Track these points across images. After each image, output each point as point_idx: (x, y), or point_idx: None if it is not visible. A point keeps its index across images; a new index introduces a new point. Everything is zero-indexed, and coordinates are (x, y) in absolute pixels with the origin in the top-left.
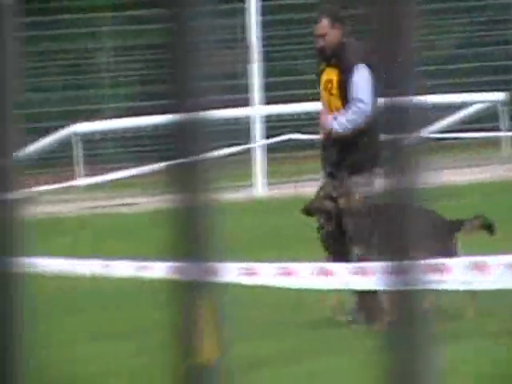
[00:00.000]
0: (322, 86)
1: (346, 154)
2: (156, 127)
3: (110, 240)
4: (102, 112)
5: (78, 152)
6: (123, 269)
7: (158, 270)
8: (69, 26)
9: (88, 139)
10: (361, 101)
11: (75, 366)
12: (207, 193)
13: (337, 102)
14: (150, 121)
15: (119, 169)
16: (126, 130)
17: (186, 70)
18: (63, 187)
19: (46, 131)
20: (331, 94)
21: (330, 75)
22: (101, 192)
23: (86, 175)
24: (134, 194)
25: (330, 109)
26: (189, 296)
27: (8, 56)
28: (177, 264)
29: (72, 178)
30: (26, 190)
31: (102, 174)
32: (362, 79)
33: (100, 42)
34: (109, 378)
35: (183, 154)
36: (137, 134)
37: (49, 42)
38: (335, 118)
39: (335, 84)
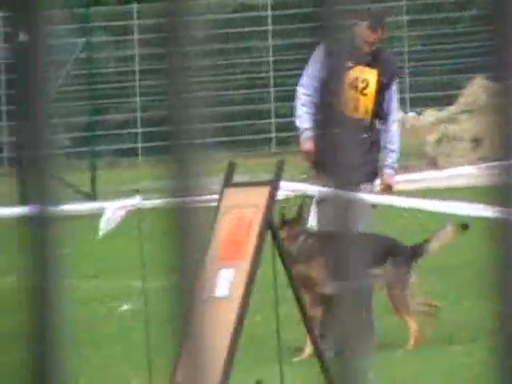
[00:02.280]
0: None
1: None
2: None
3: None
4: None
5: None
6: None
7: None
8: None
9: None
10: (395, 121)
11: None
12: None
13: (369, 104)
14: None
15: None
16: None
17: None
18: None
19: None
20: (364, 94)
21: (365, 74)
22: None
23: None
24: None
25: (354, 108)
26: None
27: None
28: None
29: None
30: None
31: None
32: (395, 93)
33: None
34: None
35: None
36: None
37: None
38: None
39: (373, 85)
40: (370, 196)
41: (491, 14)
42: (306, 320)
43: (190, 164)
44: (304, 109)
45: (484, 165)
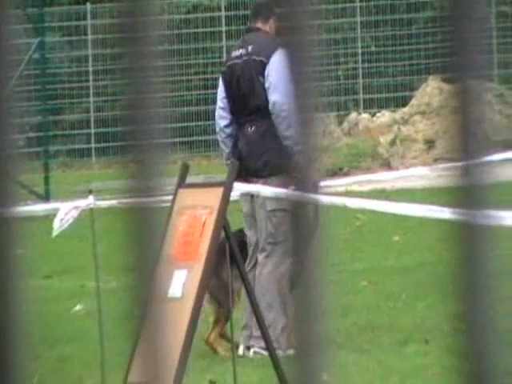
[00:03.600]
0: None
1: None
2: None
3: None
4: None
5: None
6: None
7: None
8: None
9: None
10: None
11: None
12: None
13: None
14: None
15: None
16: None
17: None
18: None
19: None
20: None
21: None
22: None
23: None
24: None
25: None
26: None
27: None
28: None
29: None
30: None
31: None
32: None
33: None
34: None
35: None
36: None
37: None
38: None
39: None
40: (324, 196)
41: (448, 15)
42: (259, 320)
43: (148, 164)
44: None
45: (438, 166)
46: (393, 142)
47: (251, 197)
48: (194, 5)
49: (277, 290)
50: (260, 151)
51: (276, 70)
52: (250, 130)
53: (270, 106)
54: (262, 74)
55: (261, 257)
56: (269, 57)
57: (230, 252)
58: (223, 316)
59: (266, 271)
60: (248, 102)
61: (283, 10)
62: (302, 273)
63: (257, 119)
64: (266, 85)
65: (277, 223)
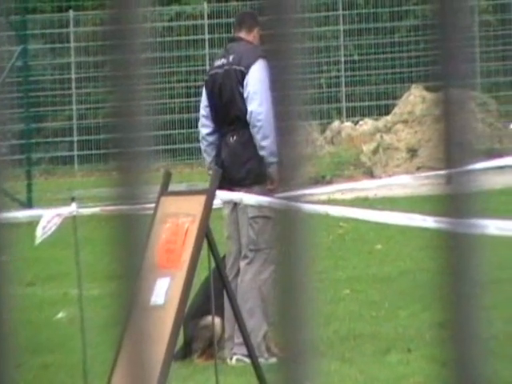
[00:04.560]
0: None
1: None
2: None
3: None
4: None
5: None
6: None
7: None
8: None
9: None
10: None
11: None
12: None
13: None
14: None
15: None
16: None
17: None
18: None
19: None
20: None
21: None
22: None
23: None
24: None
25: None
26: None
27: None
28: None
29: None
30: None
31: None
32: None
33: None
34: None
35: None
36: None
37: None
38: None
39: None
40: (306, 205)
41: (432, 23)
42: (241, 327)
43: (131, 172)
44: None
45: (420, 174)
46: (375, 151)
47: (234, 205)
48: (176, 12)
49: (258, 296)
50: (242, 160)
51: (255, 80)
52: (232, 139)
53: (248, 116)
54: (242, 83)
55: (243, 263)
56: (249, 67)
57: (213, 259)
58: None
59: (248, 278)
60: (229, 111)
61: (266, 17)
62: (281, 280)
63: (238, 129)
64: (245, 94)
65: (258, 230)
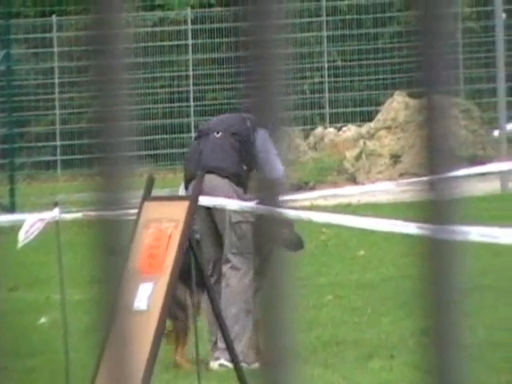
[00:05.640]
0: None
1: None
2: None
3: None
4: None
5: None
6: None
7: None
8: None
9: None
10: None
11: None
12: None
13: None
14: None
15: None
16: None
17: None
18: None
19: None
20: None
21: None
22: None
23: None
24: None
25: None
26: None
27: None
28: None
29: None
30: None
31: None
32: None
33: None
34: None
35: None
36: None
37: None
38: None
39: None
40: (289, 211)
41: (415, 30)
42: (224, 333)
43: (114, 177)
44: None
45: (403, 181)
46: (358, 157)
47: (206, 212)
48: (160, 18)
49: (242, 301)
50: (223, 152)
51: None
52: (217, 134)
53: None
54: None
55: (225, 268)
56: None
57: (195, 265)
58: (181, 330)
59: (233, 283)
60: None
61: (249, 23)
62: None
63: (225, 136)
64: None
65: (241, 234)
